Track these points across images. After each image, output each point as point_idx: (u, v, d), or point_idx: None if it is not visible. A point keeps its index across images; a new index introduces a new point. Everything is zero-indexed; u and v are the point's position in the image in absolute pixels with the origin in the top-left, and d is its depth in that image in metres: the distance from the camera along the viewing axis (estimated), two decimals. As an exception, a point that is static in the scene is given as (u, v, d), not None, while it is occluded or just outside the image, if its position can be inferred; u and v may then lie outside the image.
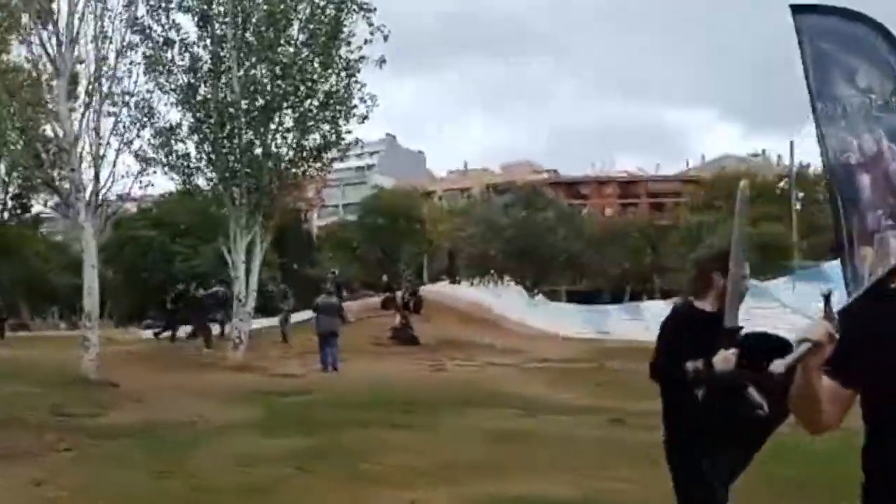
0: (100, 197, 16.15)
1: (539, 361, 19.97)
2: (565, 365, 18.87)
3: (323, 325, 18.32)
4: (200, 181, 20.23)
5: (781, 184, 68.51)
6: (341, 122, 19.75)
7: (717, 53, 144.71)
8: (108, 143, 16.55)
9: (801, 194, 67.43)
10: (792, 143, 49.83)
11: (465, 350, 23.08)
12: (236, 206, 19.24)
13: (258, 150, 19.55)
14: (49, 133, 37.73)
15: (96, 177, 16.07)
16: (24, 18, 16.62)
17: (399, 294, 29.07)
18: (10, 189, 43.27)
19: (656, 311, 27.00)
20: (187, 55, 19.67)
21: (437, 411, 11.31)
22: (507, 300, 30.17)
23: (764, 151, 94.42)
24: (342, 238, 60.09)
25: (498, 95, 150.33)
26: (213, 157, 19.49)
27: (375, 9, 18.88)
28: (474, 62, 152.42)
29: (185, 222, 46.04)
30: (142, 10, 18.54)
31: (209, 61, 19.60)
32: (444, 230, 61.19)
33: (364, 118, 19.62)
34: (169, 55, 19.40)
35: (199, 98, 19.61)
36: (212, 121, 19.22)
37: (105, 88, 16.40)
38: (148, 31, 19.02)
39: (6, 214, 43.56)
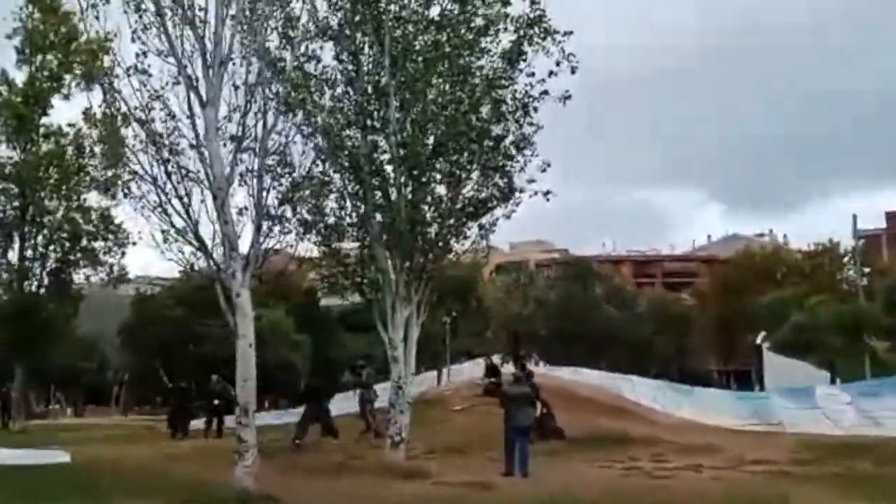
0: (260, 256, 12.68)
1: (751, 464, 16.13)
2: (805, 469, 15.04)
3: (519, 418, 14.61)
4: (344, 243, 16.81)
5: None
6: (515, 171, 16.49)
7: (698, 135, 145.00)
8: (269, 190, 13.16)
9: (867, 269, 64.64)
10: (855, 216, 46.44)
11: (629, 446, 19.22)
12: (396, 273, 15.76)
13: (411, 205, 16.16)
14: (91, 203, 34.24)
15: (258, 230, 12.63)
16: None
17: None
18: (49, 263, 39.52)
19: (831, 398, 23.35)
20: (328, 93, 16.56)
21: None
22: (639, 385, 26.42)
23: (771, 231, 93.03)
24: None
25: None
26: (366, 213, 16.11)
27: (572, 32, 15.51)
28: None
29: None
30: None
31: (356, 101, 16.42)
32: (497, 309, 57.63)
33: (547, 165, 16.25)
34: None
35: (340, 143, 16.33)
36: (364, 171, 15.90)
37: (270, 122, 13.06)
38: (279, 63, 15.69)
39: (42, 290, 39.47)
